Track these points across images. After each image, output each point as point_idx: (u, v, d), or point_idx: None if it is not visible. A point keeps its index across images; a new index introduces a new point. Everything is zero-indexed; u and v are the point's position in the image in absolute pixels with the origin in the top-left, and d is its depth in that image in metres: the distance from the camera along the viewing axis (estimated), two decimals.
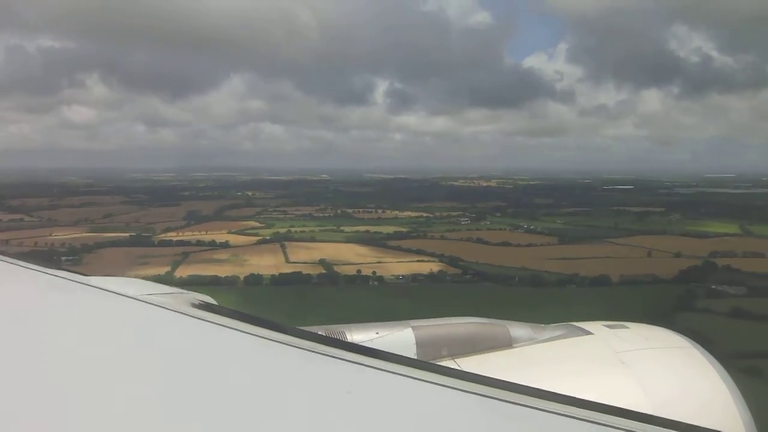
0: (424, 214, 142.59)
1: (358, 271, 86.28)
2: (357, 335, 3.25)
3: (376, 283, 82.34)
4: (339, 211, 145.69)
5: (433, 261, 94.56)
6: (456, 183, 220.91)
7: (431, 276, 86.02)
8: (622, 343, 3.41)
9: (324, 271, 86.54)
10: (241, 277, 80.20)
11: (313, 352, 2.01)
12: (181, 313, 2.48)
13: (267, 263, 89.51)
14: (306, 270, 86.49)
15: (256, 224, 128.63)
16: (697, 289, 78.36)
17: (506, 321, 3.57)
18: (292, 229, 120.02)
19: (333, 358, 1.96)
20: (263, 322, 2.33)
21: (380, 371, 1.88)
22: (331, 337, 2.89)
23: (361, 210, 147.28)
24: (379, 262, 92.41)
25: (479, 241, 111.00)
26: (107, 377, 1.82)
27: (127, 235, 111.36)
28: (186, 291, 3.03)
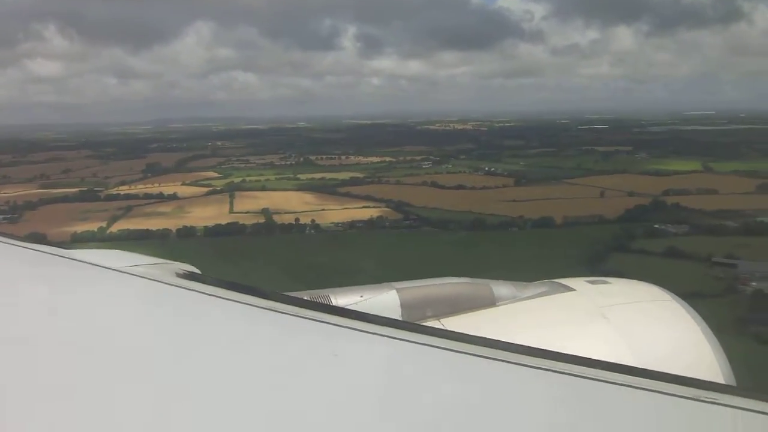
0: (388, 159, 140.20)
1: (297, 219, 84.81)
2: (341, 299, 3.18)
3: (312, 231, 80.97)
4: (302, 159, 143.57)
5: (380, 207, 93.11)
6: (432, 127, 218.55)
7: (370, 222, 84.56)
8: (604, 298, 3.41)
9: (262, 221, 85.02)
10: (174, 229, 78.59)
11: (298, 317, 2.04)
12: (166, 283, 2.48)
13: (208, 214, 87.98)
14: (245, 220, 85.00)
15: (214, 175, 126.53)
16: (638, 229, 76.80)
17: (489, 280, 3.49)
18: (248, 179, 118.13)
19: (319, 323, 1.99)
20: (248, 289, 2.35)
21: (366, 333, 1.90)
22: (317, 302, 2.89)
23: (324, 157, 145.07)
24: (322, 210, 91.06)
25: (434, 185, 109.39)
26: (97, 350, 1.84)
27: (77, 190, 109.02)
28: (170, 261, 2.93)
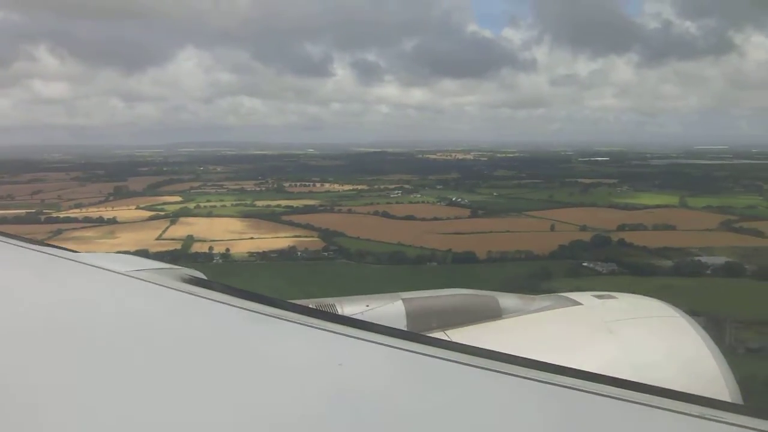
0: (359, 187, 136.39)
1: (210, 248, 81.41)
2: (347, 308, 3.22)
3: (218, 260, 77.18)
4: (275, 186, 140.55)
5: (309, 237, 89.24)
6: (433, 156, 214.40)
7: (284, 252, 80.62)
8: (610, 312, 3.43)
9: (175, 248, 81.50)
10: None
11: (304, 325, 2.02)
12: (172, 288, 2.47)
13: (128, 241, 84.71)
14: (160, 247, 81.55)
15: (174, 199, 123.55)
16: (563, 266, 71.39)
17: (495, 292, 3.52)
18: (202, 205, 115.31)
19: (324, 331, 1.98)
20: (254, 296, 2.37)
21: (371, 343, 1.89)
22: (322, 311, 2.89)
23: (297, 184, 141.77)
24: (250, 238, 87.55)
25: (384, 215, 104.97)
26: (101, 353, 1.85)
27: (23, 212, 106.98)
28: (176, 266, 2.89)
